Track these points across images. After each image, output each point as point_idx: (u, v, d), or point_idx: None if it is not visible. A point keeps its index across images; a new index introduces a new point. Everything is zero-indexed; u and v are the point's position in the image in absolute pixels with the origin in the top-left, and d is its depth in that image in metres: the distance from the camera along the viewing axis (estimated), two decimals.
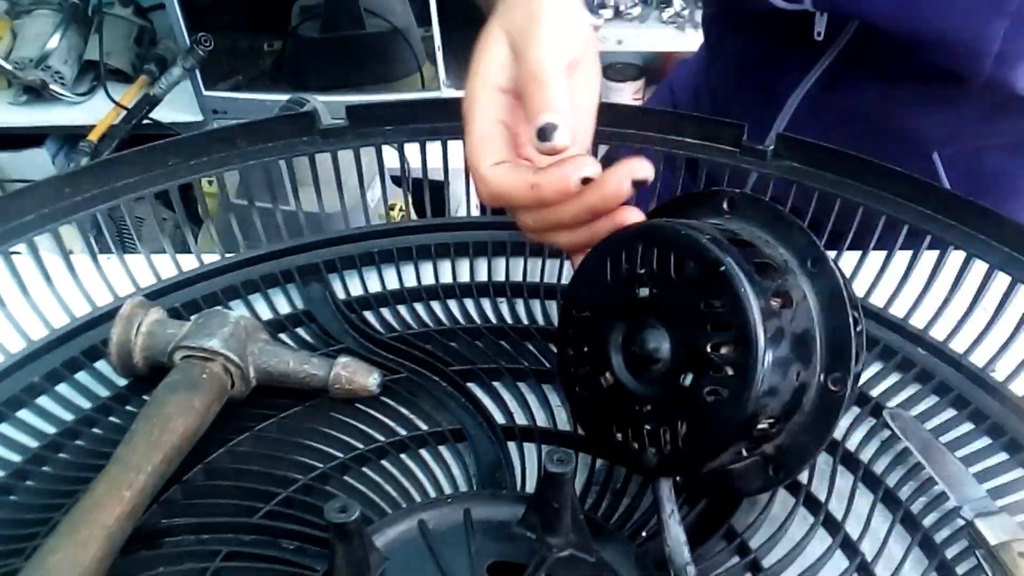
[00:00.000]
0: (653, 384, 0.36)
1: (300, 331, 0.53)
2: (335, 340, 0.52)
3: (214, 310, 0.48)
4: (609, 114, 0.61)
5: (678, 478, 0.38)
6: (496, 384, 0.49)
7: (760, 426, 0.34)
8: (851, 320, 0.35)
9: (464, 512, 0.39)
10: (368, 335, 0.52)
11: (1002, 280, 0.47)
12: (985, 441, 0.44)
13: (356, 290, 0.57)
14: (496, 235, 0.60)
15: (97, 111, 1.44)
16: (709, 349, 0.34)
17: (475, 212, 0.68)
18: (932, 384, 0.47)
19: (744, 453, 0.36)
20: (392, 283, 0.57)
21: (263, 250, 0.59)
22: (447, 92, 1.58)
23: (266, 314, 0.54)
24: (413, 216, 0.73)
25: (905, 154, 0.66)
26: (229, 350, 0.45)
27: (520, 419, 0.46)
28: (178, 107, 1.47)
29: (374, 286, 0.57)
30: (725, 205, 0.39)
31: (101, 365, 0.50)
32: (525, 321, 0.54)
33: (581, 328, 0.39)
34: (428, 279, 0.57)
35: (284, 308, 0.55)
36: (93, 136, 1.36)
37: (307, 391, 0.47)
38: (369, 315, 0.55)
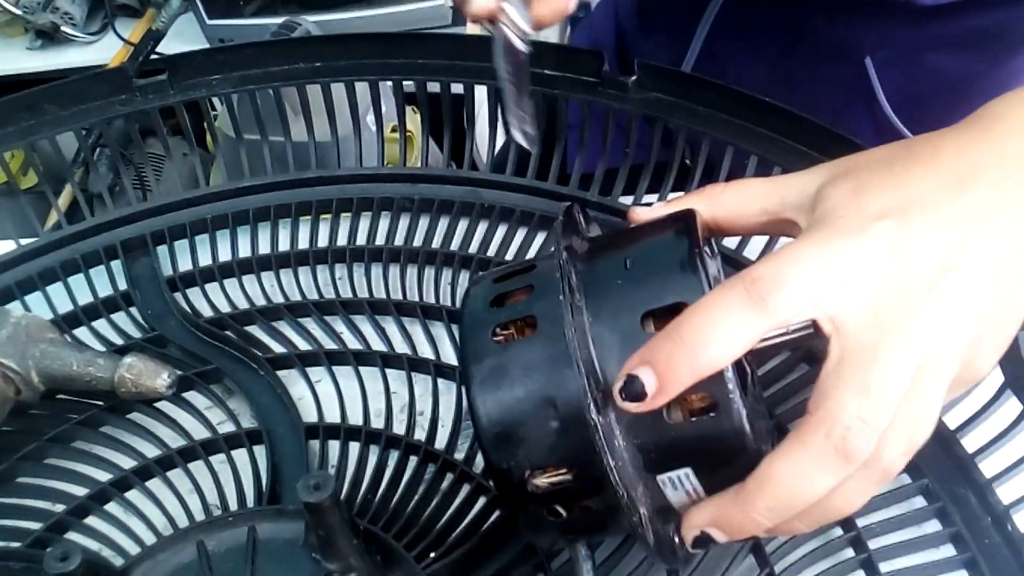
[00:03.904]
0: None
1: (119, 317, 0.49)
2: (153, 327, 0.48)
3: None
4: (459, 47, 0.54)
5: None
6: (317, 370, 0.45)
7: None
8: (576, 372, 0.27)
9: (248, 531, 0.36)
10: (191, 319, 0.48)
11: None
12: None
13: (185, 264, 0.52)
14: (346, 190, 0.55)
15: (110, 49, 1.37)
16: None
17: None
18: None
19: None
20: (225, 254, 0.52)
21: (86, 224, 0.53)
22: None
23: (86, 299, 0.50)
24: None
25: (835, 62, 0.60)
26: (6, 356, 0.41)
27: (333, 412, 0.42)
28: (186, 39, 1.39)
29: (206, 258, 0.52)
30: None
31: None
32: (362, 293, 0.49)
33: None
34: (265, 247, 0.52)
35: (106, 290, 0.50)
36: None
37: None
38: (199, 291, 0.50)
